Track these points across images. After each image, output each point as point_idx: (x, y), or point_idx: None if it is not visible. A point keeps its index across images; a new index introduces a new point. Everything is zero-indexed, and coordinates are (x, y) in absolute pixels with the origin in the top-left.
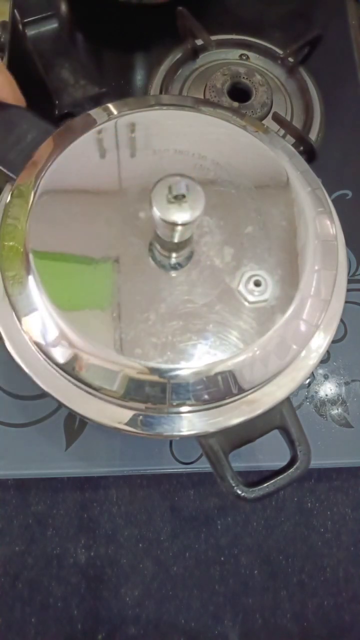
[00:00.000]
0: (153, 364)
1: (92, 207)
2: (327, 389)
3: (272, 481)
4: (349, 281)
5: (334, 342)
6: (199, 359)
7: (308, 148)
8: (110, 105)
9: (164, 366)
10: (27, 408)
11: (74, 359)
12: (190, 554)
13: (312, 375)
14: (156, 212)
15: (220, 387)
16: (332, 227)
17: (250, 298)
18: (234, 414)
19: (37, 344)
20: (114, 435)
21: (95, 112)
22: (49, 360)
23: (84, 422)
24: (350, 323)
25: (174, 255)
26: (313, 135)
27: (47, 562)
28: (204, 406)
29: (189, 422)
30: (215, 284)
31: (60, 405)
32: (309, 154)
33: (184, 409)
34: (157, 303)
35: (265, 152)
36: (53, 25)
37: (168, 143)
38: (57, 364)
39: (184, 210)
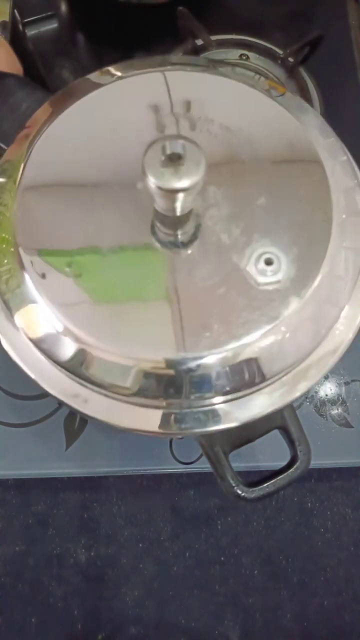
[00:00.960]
0: (167, 355)
1: (88, 180)
2: (327, 389)
3: (272, 481)
4: None
5: None
6: (216, 346)
7: None
8: (111, 68)
9: (178, 356)
10: (27, 408)
11: (81, 357)
12: (191, 554)
13: None
14: (150, 180)
15: (242, 376)
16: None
17: (263, 279)
18: (266, 402)
19: (38, 345)
20: (114, 436)
21: (94, 76)
22: (52, 361)
23: (84, 422)
24: None
25: (177, 233)
26: None
27: (48, 562)
28: (228, 397)
29: (214, 415)
30: (223, 263)
31: (67, 408)
32: None
33: (207, 401)
34: (163, 288)
35: (285, 116)
36: (53, 25)
37: (171, 106)
38: (63, 365)
39: (181, 174)
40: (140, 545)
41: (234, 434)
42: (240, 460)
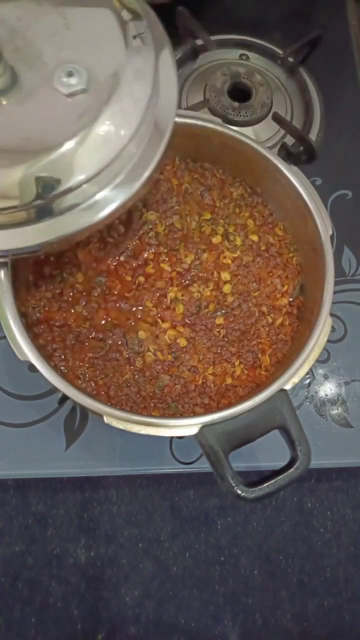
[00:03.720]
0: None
1: None
2: (327, 389)
3: (272, 481)
4: (349, 281)
5: (333, 341)
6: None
7: (308, 148)
8: None
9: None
10: (27, 408)
11: None
12: (190, 554)
13: (312, 375)
14: None
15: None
16: (145, 27)
17: (67, 90)
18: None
19: None
20: (114, 435)
21: None
22: None
23: (84, 422)
24: (350, 323)
25: None
26: (313, 135)
27: (47, 562)
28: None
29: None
30: (35, 86)
31: None
32: (309, 154)
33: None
34: None
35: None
36: None
37: None
38: None
39: None
40: (140, 545)
41: (234, 433)
42: (240, 460)
